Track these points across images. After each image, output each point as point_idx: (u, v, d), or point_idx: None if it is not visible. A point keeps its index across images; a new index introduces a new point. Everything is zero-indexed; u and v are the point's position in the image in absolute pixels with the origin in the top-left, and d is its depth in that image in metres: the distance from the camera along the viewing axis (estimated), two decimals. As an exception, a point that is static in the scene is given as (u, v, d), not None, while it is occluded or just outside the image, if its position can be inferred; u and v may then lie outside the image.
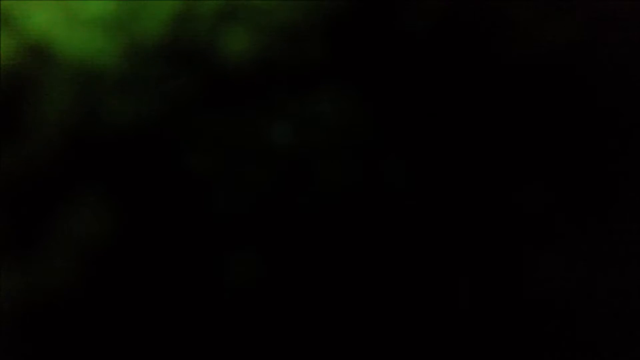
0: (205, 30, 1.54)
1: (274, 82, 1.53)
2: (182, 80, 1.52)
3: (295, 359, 1.46)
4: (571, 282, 1.47)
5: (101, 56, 1.52)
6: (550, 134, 1.51)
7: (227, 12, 1.54)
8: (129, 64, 1.52)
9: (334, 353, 1.46)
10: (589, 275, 1.47)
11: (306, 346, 1.46)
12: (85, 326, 1.47)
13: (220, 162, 1.50)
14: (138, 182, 1.50)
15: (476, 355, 1.45)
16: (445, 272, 1.48)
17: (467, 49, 1.53)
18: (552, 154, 1.51)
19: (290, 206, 1.49)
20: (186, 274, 1.48)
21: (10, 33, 1.53)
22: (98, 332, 1.46)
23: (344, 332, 1.46)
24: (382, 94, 1.53)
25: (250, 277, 1.47)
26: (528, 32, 1.53)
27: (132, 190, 1.50)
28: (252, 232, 1.48)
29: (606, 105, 1.52)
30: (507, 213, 1.49)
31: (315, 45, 1.53)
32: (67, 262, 1.47)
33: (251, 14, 1.54)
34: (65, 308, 1.47)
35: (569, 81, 1.53)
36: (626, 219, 1.48)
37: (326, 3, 1.54)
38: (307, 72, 1.53)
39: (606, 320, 1.46)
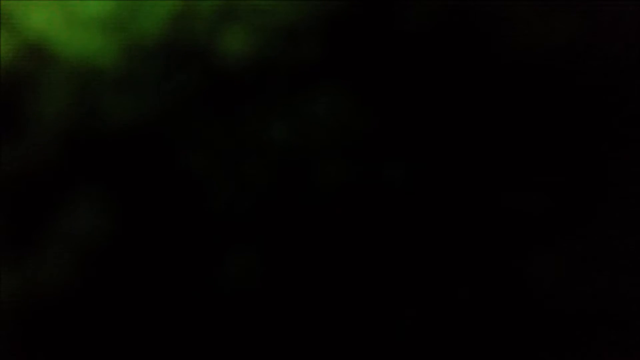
0: (204, 30, 1.54)
1: (272, 81, 1.53)
2: (180, 80, 1.52)
3: (295, 358, 1.46)
4: (569, 283, 1.47)
5: (100, 55, 1.53)
6: (548, 134, 1.51)
7: (225, 12, 1.54)
8: (128, 63, 1.52)
9: (334, 352, 1.46)
10: (586, 276, 1.47)
11: (306, 345, 1.46)
12: (85, 325, 1.47)
13: (219, 161, 1.50)
14: (137, 182, 1.50)
15: (474, 355, 1.45)
16: (443, 271, 1.48)
17: (466, 48, 1.53)
18: (551, 154, 1.51)
19: (289, 205, 1.49)
20: (185, 273, 1.48)
21: (10, 33, 1.53)
22: (98, 331, 1.47)
23: (343, 331, 1.46)
24: (380, 94, 1.53)
25: (250, 276, 1.47)
26: (528, 32, 1.53)
27: (131, 190, 1.50)
28: (252, 231, 1.49)
29: (605, 106, 1.52)
30: (505, 213, 1.48)
31: (314, 44, 1.53)
32: (67, 262, 1.48)
33: (250, 13, 1.54)
34: (64, 307, 1.47)
35: (568, 82, 1.52)
36: (624, 220, 1.48)
37: (325, 2, 1.54)
38: (306, 72, 1.53)
39: (604, 321, 1.45)
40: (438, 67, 1.53)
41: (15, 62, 1.52)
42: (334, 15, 1.54)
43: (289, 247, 1.48)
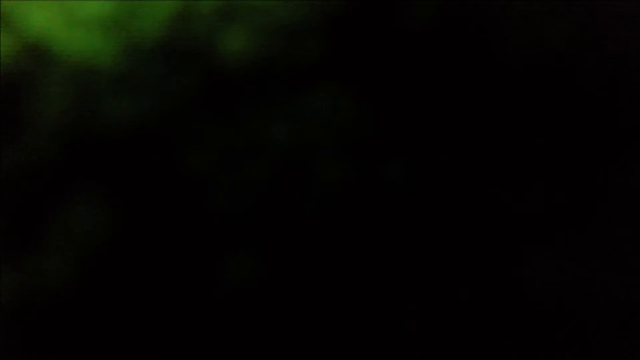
0: (204, 30, 1.54)
1: (272, 81, 1.53)
2: (180, 80, 1.52)
3: (295, 358, 1.46)
4: (569, 283, 1.47)
5: (100, 55, 1.53)
6: (548, 134, 1.51)
7: (225, 12, 1.54)
8: (128, 63, 1.52)
9: (334, 352, 1.46)
10: (586, 276, 1.47)
11: (306, 345, 1.46)
12: (85, 325, 1.47)
13: (219, 161, 1.50)
14: (137, 182, 1.50)
15: (473, 355, 1.45)
16: (442, 271, 1.48)
17: (466, 49, 1.53)
18: (550, 154, 1.51)
19: (289, 205, 1.49)
20: (185, 272, 1.48)
21: (10, 33, 1.53)
22: (98, 331, 1.47)
23: (343, 331, 1.47)
24: (381, 93, 1.53)
25: (250, 276, 1.47)
26: (528, 32, 1.53)
27: (131, 190, 1.50)
28: (252, 231, 1.49)
29: (604, 106, 1.52)
30: (505, 213, 1.49)
31: (314, 44, 1.53)
32: (67, 261, 1.48)
33: (250, 13, 1.54)
34: (65, 307, 1.47)
35: (568, 82, 1.52)
36: (624, 220, 1.48)
37: (325, 2, 1.54)
38: (306, 71, 1.53)
39: (603, 321, 1.45)
40: (438, 67, 1.53)
41: (15, 62, 1.52)
42: (334, 15, 1.54)
43: (288, 247, 1.48)
